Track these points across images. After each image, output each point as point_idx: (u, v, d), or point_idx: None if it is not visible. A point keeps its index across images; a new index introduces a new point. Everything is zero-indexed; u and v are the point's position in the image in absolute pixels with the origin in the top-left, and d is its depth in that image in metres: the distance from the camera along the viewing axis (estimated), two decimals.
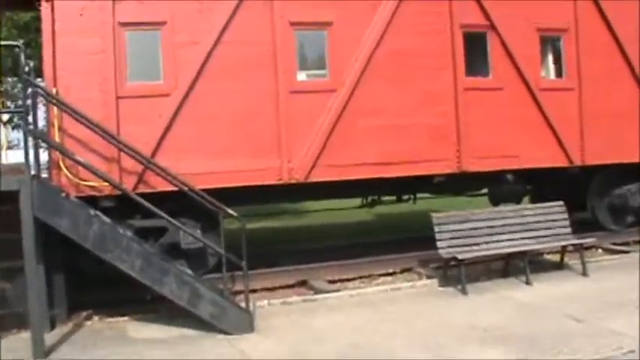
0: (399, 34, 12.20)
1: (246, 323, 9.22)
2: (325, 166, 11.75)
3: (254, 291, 11.16)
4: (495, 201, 14.53)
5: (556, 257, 12.55)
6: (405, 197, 14.53)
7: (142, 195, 9.88)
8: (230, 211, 9.67)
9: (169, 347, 8.72)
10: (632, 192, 14.51)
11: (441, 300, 10.52)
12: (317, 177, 11.74)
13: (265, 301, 10.69)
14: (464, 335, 8.57)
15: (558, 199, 12.59)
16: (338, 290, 11.34)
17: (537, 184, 14.67)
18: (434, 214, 11.28)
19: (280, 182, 11.59)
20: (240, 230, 9.47)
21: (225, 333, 9.07)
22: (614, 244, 13.88)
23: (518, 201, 14.72)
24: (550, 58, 13.86)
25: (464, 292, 10.74)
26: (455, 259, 10.91)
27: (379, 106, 12.10)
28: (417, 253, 12.89)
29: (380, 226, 18.46)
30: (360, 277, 12.34)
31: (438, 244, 11.10)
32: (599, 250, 13.60)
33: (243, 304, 9.46)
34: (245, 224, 9.54)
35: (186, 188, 10.08)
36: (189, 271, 10.11)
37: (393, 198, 14.57)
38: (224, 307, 9.25)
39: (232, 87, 11.29)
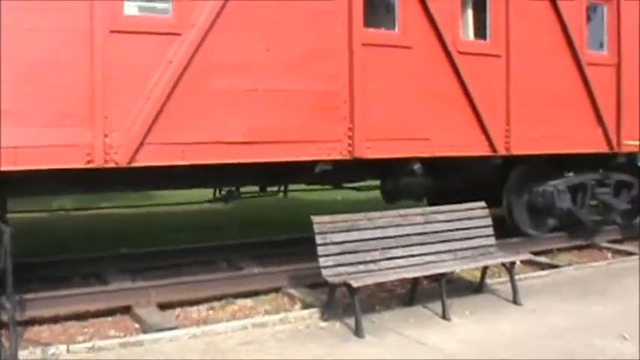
0: None
1: None
2: (160, 144, 7.92)
3: (55, 321, 7.99)
4: (390, 197, 11.20)
5: (471, 274, 9.55)
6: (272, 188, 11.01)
7: None
8: None
9: None
10: (560, 190, 11.62)
11: (327, 347, 7.08)
12: (147, 160, 7.89)
13: (63, 347, 6.92)
14: None
15: (463, 194, 9.86)
16: (175, 327, 7.71)
17: (440, 174, 11.29)
18: (315, 219, 7.83)
19: (91, 166, 7.70)
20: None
21: None
22: (534, 253, 11.07)
23: (420, 198, 11.60)
24: (470, 13, 10.64)
25: (358, 332, 7.40)
26: (347, 285, 7.54)
27: (243, 61, 8.44)
28: (289, 267, 9.74)
29: (237, 225, 14.25)
30: (208, 300, 8.91)
31: (322, 260, 7.68)
32: (518, 262, 10.69)
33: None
34: (9, 236, 5.73)
35: None
36: None
37: (256, 189, 10.94)
38: None
39: (23, 20, 7.33)
